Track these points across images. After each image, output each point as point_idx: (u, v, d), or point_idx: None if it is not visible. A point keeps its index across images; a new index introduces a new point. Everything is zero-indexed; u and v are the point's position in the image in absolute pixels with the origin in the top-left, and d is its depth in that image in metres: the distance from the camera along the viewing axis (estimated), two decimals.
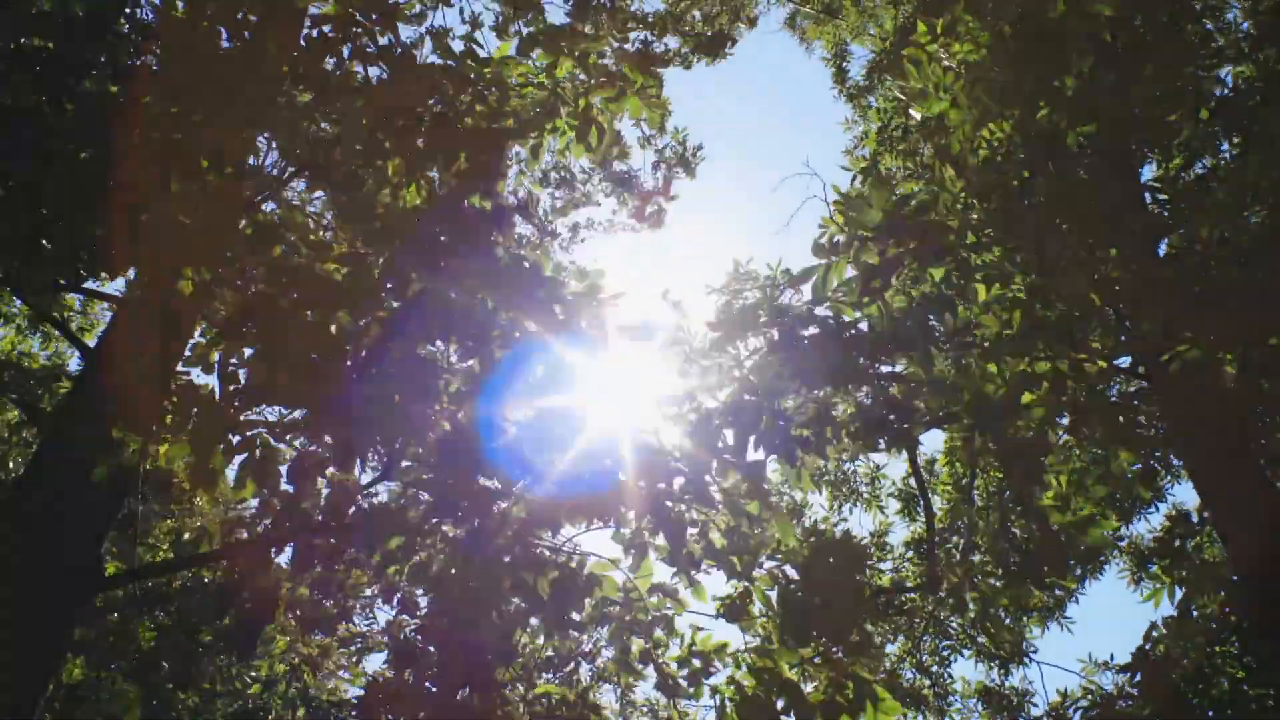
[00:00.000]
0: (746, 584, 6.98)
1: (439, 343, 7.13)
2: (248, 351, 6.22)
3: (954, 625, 12.34)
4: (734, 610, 6.98)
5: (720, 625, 8.13)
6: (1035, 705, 12.10)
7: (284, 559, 7.56)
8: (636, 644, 6.90)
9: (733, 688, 6.53)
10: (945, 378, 7.69)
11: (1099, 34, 7.75)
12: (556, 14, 15.57)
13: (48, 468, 6.84)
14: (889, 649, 12.65)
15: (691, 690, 6.75)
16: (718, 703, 6.64)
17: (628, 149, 14.25)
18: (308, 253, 6.65)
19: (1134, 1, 7.72)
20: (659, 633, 6.90)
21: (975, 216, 7.75)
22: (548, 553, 6.86)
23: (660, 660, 6.84)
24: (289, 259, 6.47)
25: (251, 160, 7.01)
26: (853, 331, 7.17)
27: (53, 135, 5.94)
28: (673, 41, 14.30)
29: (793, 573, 6.98)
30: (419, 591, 6.98)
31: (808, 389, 7.24)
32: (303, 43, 6.51)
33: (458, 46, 7.07)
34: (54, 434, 7.19)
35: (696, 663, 6.74)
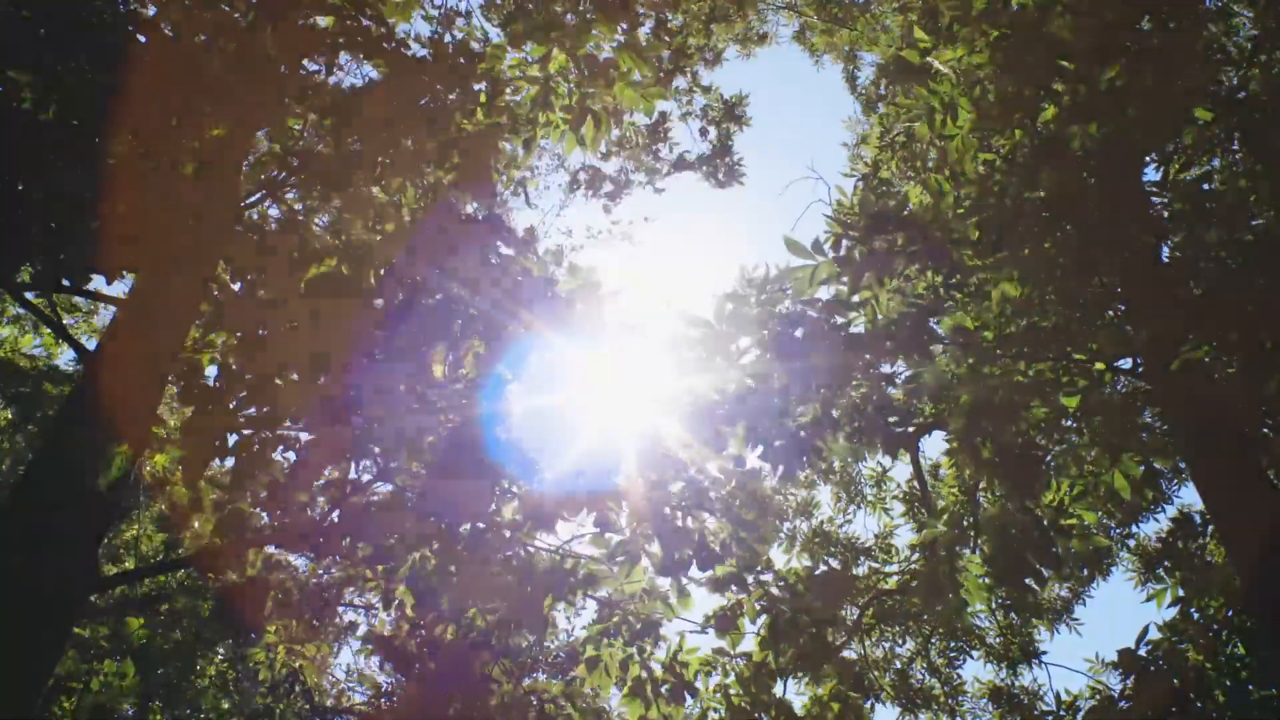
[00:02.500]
0: (740, 595, 6.93)
1: (436, 343, 7.12)
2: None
3: (962, 626, 12.28)
4: (723, 622, 6.92)
5: (707, 637, 8.10)
6: (1046, 704, 12.03)
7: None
8: (618, 644, 6.83)
9: (719, 696, 6.48)
10: (945, 378, 7.63)
11: (1099, 38, 7.69)
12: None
13: (45, 469, 6.85)
14: (899, 650, 12.62)
15: (672, 698, 6.66)
16: (700, 709, 6.59)
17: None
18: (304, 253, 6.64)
19: (1138, 4, 7.66)
20: (645, 637, 6.83)
21: (973, 220, 7.70)
22: (542, 554, 6.84)
23: (646, 663, 6.78)
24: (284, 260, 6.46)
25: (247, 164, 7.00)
26: (845, 333, 7.13)
27: (43, 134, 5.92)
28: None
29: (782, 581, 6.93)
30: (410, 593, 6.95)
31: (803, 388, 7.18)
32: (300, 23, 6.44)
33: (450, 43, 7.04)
34: (52, 435, 7.20)
35: (681, 671, 6.67)
